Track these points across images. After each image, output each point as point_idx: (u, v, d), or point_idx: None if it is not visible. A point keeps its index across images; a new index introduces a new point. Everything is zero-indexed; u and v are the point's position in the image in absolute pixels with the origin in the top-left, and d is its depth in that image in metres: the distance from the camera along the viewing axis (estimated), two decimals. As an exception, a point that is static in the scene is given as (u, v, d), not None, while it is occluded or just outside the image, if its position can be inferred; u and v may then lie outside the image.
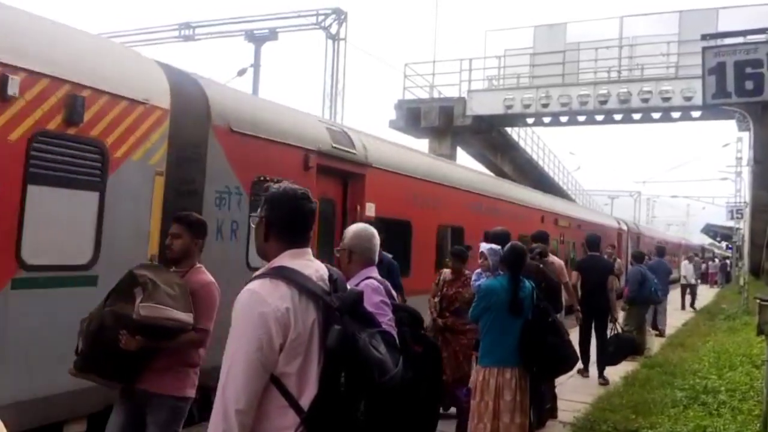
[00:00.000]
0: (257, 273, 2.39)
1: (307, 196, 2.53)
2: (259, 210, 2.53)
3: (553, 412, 7.46)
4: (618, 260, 13.85)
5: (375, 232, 3.45)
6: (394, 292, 3.29)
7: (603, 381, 9.68)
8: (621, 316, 12.17)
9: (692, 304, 23.16)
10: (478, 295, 5.60)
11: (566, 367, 5.90)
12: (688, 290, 23.53)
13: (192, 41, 24.83)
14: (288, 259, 2.40)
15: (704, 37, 7.61)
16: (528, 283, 5.47)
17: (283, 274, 2.32)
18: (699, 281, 31.22)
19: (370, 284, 3.11)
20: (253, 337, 2.20)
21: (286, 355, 2.24)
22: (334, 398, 2.22)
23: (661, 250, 17.22)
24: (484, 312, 5.39)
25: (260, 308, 2.22)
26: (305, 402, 2.23)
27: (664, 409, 7.66)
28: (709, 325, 17.16)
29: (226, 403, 2.18)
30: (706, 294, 30.67)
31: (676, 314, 19.70)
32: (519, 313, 5.27)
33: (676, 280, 24.95)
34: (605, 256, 11.84)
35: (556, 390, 7.77)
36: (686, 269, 23.61)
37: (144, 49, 21.19)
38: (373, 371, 2.26)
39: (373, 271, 3.34)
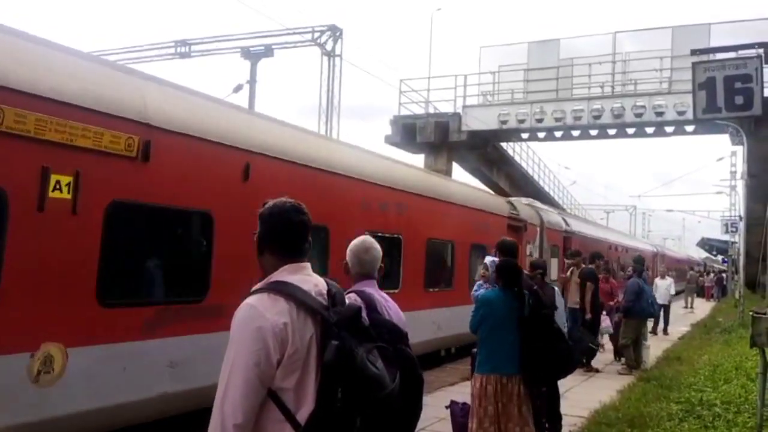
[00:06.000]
0: (255, 287, 2.40)
1: (297, 208, 2.53)
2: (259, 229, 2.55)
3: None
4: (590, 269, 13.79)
5: (372, 244, 3.38)
6: (387, 305, 3.26)
7: (588, 368, 11.61)
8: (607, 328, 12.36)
9: (665, 329, 19.17)
10: (475, 305, 5.79)
11: (556, 373, 5.89)
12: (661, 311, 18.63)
13: (188, 58, 25.00)
14: (287, 274, 2.41)
15: (694, 52, 7.68)
16: (528, 298, 5.56)
17: (282, 289, 2.34)
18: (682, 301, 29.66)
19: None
20: (251, 351, 2.21)
21: (284, 370, 2.25)
22: (330, 413, 2.23)
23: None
24: (482, 321, 5.55)
25: (258, 323, 2.24)
26: (302, 417, 2.24)
27: (659, 423, 7.65)
28: (705, 338, 17.15)
29: (224, 417, 2.19)
30: (703, 307, 30.72)
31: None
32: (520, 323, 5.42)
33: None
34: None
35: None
36: (658, 287, 18.99)
37: (141, 67, 21.31)
38: (369, 387, 2.28)
39: (369, 285, 3.28)
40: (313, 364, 2.30)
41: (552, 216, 18.85)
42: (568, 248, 17.98)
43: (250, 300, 2.33)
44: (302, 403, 2.26)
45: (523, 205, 16.95)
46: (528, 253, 15.31)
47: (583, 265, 12.76)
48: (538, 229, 16.66)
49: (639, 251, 28.45)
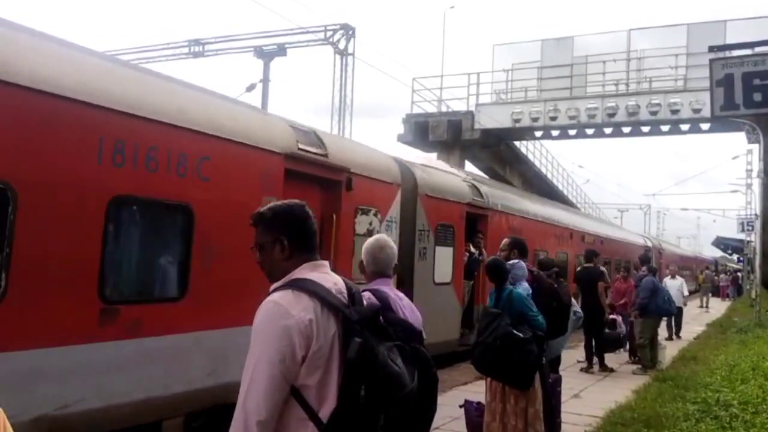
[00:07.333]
0: (277, 284, 2.40)
1: (304, 206, 2.58)
2: (265, 231, 2.51)
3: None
4: (602, 269, 13.34)
5: (387, 243, 3.40)
6: (402, 304, 3.25)
7: (602, 368, 11.51)
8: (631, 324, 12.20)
9: (677, 333, 17.41)
10: None
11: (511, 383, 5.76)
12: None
13: (202, 57, 25.09)
14: (307, 272, 2.42)
15: (711, 49, 7.60)
16: (506, 292, 5.72)
17: (306, 287, 2.34)
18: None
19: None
20: (277, 348, 2.21)
21: (308, 367, 2.25)
22: (353, 411, 2.24)
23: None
24: None
25: (284, 320, 2.24)
26: (324, 414, 2.24)
27: (676, 423, 7.58)
28: (720, 338, 17.00)
29: (247, 414, 2.18)
30: (718, 307, 30.49)
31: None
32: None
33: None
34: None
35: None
36: (668, 288, 14.97)
37: (155, 66, 21.45)
38: (391, 385, 2.28)
39: (384, 283, 3.28)
40: (336, 361, 2.30)
41: (440, 177, 11.74)
42: (480, 231, 12.54)
43: (274, 297, 2.32)
44: (324, 400, 2.26)
45: (351, 146, 9.67)
46: (369, 228, 8.81)
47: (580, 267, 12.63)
48: (399, 193, 9.64)
49: (622, 244, 24.80)
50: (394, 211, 9.55)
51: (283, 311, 2.26)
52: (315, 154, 7.79)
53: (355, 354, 2.24)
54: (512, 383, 5.65)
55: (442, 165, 13.66)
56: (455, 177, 12.56)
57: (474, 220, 12.30)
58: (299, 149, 7.48)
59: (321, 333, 2.27)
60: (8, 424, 1.61)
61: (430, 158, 14.32)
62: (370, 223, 8.86)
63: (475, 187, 12.63)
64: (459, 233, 11.57)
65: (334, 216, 8.08)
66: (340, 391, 2.26)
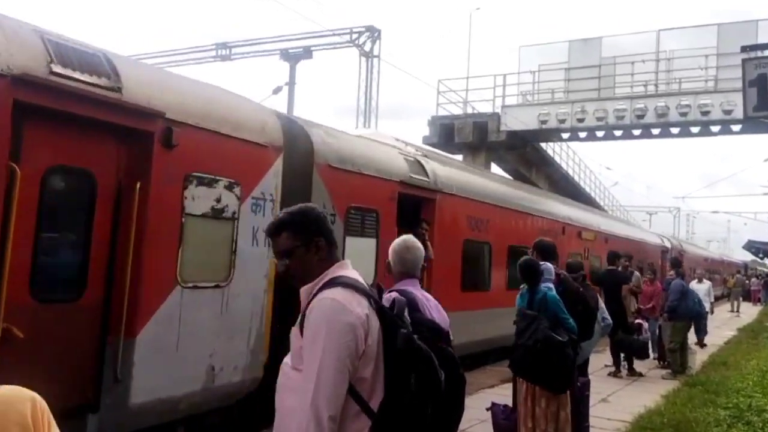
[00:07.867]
0: (313, 285, 2.44)
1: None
2: (293, 236, 2.51)
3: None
4: (636, 273, 13.10)
5: (414, 243, 3.43)
6: (429, 305, 3.24)
7: (631, 373, 11.39)
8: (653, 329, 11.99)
9: (701, 340, 15.87)
10: None
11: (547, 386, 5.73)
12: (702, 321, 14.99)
13: (229, 61, 25.35)
14: (341, 270, 2.48)
15: (744, 49, 7.47)
16: (541, 294, 5.68)
17: (352, 283, 2.40)
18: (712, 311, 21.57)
19: (387, 298, 3.09)
20: (342, 344, 2.25)
21: (364, 360, 2.31)
22: (404, 400, 2.31)
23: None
24: None
25: (345, 316, 2.29)
26: (375, 406, 2.31)
27: (707, 429, 7.47)
28: (752, 343, 16.71)
29: (319, 410, 2.20)
30: (749, 312, 29.96)
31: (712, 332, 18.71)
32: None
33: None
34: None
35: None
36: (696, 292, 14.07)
37: (183, 70, 21.68)
38: (437, 372, 2.37)
39: (411, 284, 3.30)
40: (381, 354, 2.36)
41: (357, 144, 8.81)
42: (425, 220, 9.61)
43: (328, 294, 2.36)
44: (374, 392, 2.33)
45: (176, 82, 6.16)
46: (216, 207, 5.99)
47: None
48: (280, 159, 6.77)
49: (634, 243, 21.82)
50: (270, 184, 6.65)
51: (342, 307, 2.30)
52: (92, 84, 4.92)
53: (402, 344, 2.33)
54: (550, 386, 5.62)
55: (375, 134, 10.82)
56: (384, 146, 9.54)
57: (417, 205, 9.64)
58: (53, 73, 4.67)
59: (372, 327, 2.35)
60: (52, 419, 1.62)
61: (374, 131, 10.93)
62: (219, 200, 6.00)
63: (418, 162, 9.77)
64: (387, 220, 8.64)
65: (138, 185, 5.27)
66: (390, 382, 2.33)
